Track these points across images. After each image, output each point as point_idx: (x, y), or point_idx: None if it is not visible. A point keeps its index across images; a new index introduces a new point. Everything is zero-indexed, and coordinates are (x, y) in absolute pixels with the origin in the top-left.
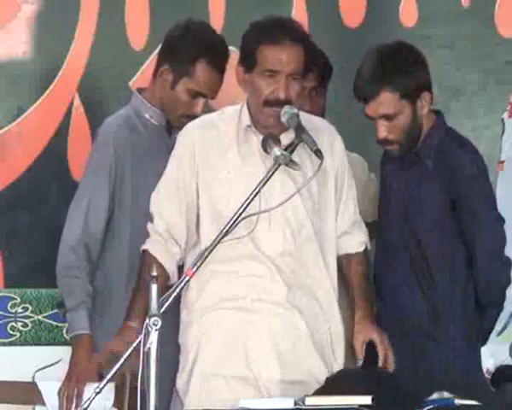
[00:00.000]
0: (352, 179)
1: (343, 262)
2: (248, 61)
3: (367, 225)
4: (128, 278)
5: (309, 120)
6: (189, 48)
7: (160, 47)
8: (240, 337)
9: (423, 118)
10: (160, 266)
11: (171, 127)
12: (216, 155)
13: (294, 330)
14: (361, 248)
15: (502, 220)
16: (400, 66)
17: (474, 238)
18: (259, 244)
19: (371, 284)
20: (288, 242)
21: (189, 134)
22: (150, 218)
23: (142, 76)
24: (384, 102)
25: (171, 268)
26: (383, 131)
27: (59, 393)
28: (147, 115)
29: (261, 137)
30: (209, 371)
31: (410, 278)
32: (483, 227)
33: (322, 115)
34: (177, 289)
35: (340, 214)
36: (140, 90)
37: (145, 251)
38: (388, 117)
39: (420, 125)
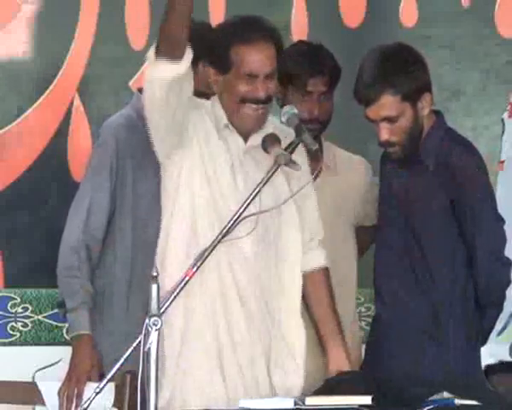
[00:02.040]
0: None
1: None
2: (221, 64)
3: (369, 228)
4: (129, 277)
5: (279, 127)
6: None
7: None
8: (214, 360)
9: (424, 119)
10: None
11: None
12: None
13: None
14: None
15: (502, 220)
16: (401, 68)
17: (474, 238)
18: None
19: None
20: (255, 247)
21: (204, 104)
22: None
23: (142, 76)
24: (385, 104)
25: None
26: (385, 133)
27: (59, 393)
28: None
29: (237, 137)
30: (187, 397)
31: (410, 278)
32: (483, 227)
33: (330, 119)
34: (177, 290)
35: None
36: (141, 90)
37: None
38: (390, 119)
39: (421, 126)
